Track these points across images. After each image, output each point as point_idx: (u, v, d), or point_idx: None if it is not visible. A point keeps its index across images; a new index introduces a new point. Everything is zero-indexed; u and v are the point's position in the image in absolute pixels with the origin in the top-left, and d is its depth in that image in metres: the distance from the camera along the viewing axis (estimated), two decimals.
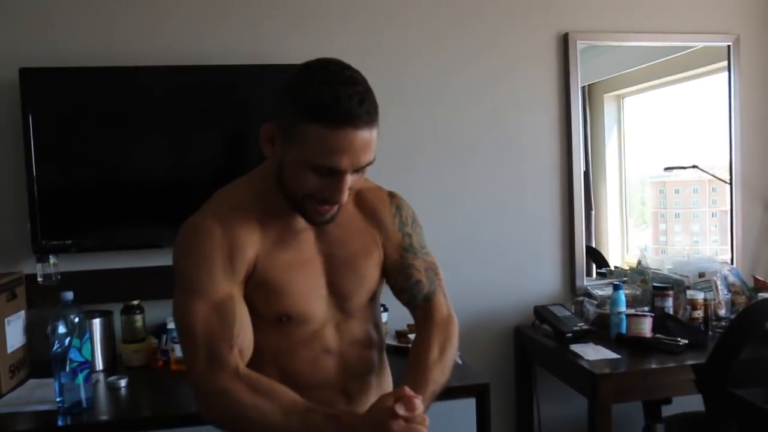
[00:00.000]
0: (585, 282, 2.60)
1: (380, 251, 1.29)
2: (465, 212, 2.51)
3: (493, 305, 2.55)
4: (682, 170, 2.91)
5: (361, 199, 1.28)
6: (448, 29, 2.47)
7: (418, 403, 1.06)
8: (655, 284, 2.43)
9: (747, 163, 2.74)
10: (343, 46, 2.34)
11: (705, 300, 2.38)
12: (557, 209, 2.59)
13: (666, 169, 2.94)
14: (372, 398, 1.23)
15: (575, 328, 2.25)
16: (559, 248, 2.60)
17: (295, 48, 2.29)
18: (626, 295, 2.41)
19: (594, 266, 2.80)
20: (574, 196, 2.58)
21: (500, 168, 2.55)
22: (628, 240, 2.99)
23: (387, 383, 1.37)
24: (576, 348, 2.18)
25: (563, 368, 2.25)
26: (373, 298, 1.31)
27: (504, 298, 2.56)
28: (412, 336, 2.17)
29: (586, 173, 2.90)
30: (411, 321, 2.27)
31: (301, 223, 1.19)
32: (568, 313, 2.36)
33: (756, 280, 2.56)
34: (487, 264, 2.54)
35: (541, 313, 2.38)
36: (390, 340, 2.26)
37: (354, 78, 1.07)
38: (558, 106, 2.58)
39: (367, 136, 1.05)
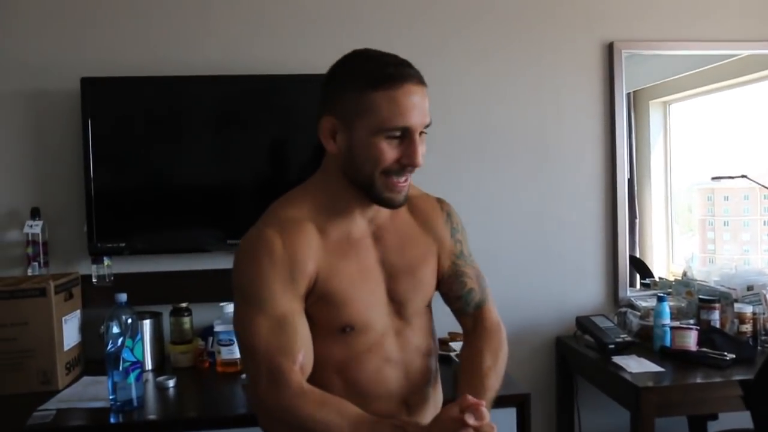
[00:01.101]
0: (628, 293, 2.57)
1: (435, 258, 1.30)
2: (508, 222, 2.52)
3: (535, 315, 2.55)
4: (730, 179, 2.85)
5: (413, 205, 1.29)
6: (493, 40, 2.49)
7: (485, 411, 1.06)
8: (701, 296, 2.38)
9: None
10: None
11: (754, 314, 2.32)
12: (600, 219, 2.57)
13: (714, 178, 2.88)
14: (429, 409, 1.26)
15: (618, 340, 2.23)
16: (602, 258, 2.58)
17: (334, 58, 2.34)
18: (670, 307, 2.37)
19: (638, 277, 2.77)
20: (618, 205, 2.56)
21: (544, 177, 2.54)
22: (673, 249, 2.94)
23: (440, 393, 1.36)
24: (618, 360, 2.16)
25: (605, 380, 2.23)
26: (429, 305, 1.33)
27: (546, 309, 2.55)
28: (453, 344, 2.19)
29: (630, 181, 2.87)
30: (452, 329, 2.33)
31: (359, 231, 1.21)
32: (610, 324, 2.34)
33: None
34: (529, 274, 2.53)
35: (583, 323, 2.36)
36: None
37: (389, 53, 1.14)
38: (602, 115, 2.56)
39: (423, 91, 1.12)
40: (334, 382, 1.18)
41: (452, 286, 1.33)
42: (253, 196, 2.29)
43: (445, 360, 2.16)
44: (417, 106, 1.10)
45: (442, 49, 2.45)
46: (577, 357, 2.39)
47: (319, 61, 2.32)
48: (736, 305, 2.35)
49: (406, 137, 1.10)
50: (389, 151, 1.10)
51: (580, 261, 2.57)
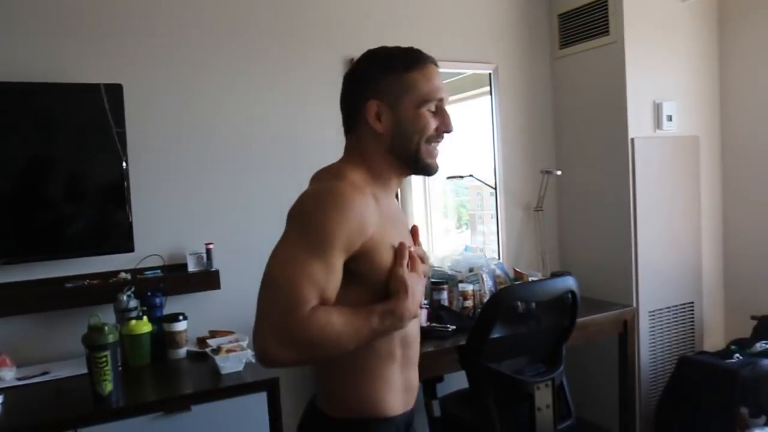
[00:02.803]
0: None
1: None
2: (263, 223, 2.66)
3: None
4: (460, 178, 3.33)
5: None
6: (250, 53, 2.64)
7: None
8: (432, 280, 2.78)
9: (508, 173, 3.21)
10: (141, 65, 2.44)
11: (473, 291, 2.77)
12: None
13: (448, 177, 3.33)
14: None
15: None
16: None
17: (93, 67, 2.35)
18: None
19: None
20: None
21: (295, 180, 2.62)
22: (433, 239, 3.33)
23: None
24: None
25: None
26: None
27: None
28: (211, 341, 2.30)
29: None
30: (213, 327, 2.43)
31: (395, 205, 1.36)
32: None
33: (516, 272, 3.01)
34: None
35: None
36: (191, 347, 2.37)
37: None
38: None
39: (439, 73, 1.30)
40: (386, 348, 1.25)
41: None
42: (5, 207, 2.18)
43: (201, 357, 2.28)
44: (441, 82, 1.28)
45: (196, 61, 2.55)
46: None
47: (76, 70, 2.33)
48: (461, 285, 2.78)
49: (439, 108, 1.28)
50: (432, 121, 1.27)
51: None
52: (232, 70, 2.63)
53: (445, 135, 1.30)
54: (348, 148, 1.32)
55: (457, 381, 2.61)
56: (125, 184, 2.34)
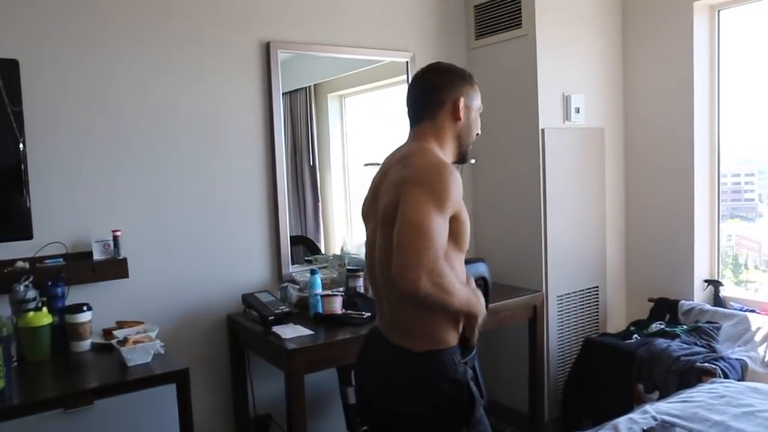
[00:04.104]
0: (291, 269, 2.86)
1: None
2: (175, 209, 2.60)
3: (206, 296, 2.69)
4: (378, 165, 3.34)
5: None
6: (151, 30, 2.53)
7: None
8: (348, 267, 2.78)
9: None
10: (48, 43, 2.29)
11: None
12: (263, 204, 2.81)
13: (366, 165, 3.33)
14: None
15: (277, 311, 2.49)
16: (267, 239, 2.82)
17: None
18: (324, 279, 2.72)
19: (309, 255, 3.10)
20: (278, 192, 2.82)
21: (210, 165, 2.68)
22: (352, 227, 3.33)
23: None
24: (277, 329, 2.42)
25: (267, 349, 2.47)
26: None
27: (217, 289, 2.71)
28: (117, 332, 2.21)
29: (313, 168, 3.18)
30: (120, 318, 2.35)
31: None
32: (272, 299, 2.60)
33: None
34: (200, 257, 2.66)
35: (248, 300, 2.58)
36: (97, 339, 2.27)
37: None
38: (262, 109, 2.79)
39: None
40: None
41: None
42: None
43: (106, 349, 2.19)
44: None
45: (99, 37, 2.42)
46: (246, 331, 2.59)
47: None
48: None
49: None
50: (478, 125, 1.74)
51: (246, 243, 2.78)
52: (142, 50, 2.51)
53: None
54: (423, 133, 1.66)
55: None
56: (22, 167, 2.20)
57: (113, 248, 2.40)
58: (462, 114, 1.67)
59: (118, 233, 2.40)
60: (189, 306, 2.64)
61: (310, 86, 3.16)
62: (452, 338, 1.61)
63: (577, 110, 3.21)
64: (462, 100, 1.67)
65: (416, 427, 1.59)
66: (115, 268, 2.38)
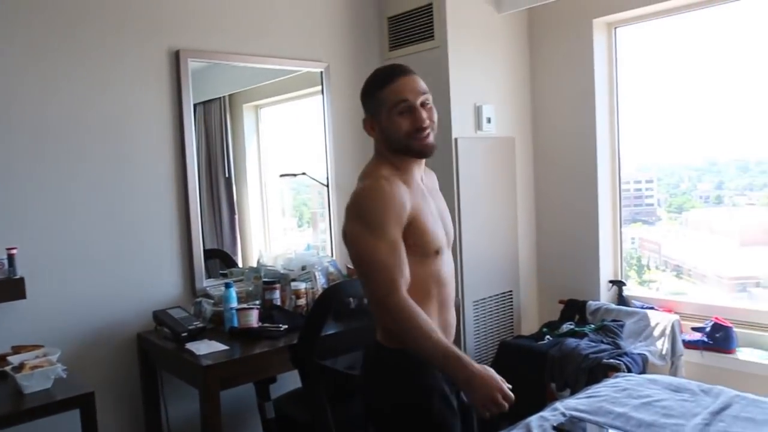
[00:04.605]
0: (204, 284, 2.78)
1: None
2: (79, 224, 2.48)
3: (115, 314, 2.57)
4: (293, 176, 3.32)
5: (426, 174, 1.78)
6: (54, 38, 2.41)
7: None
8: (265, 279, 2.73)
9: (340, 171, 3.25)
10: None
11: (306, 289, 2.76)
12: (174, 217, 2.72)
13: (281, 175, 3.29)
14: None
15: (190, 327, 2.41)
16: (178, 254, 2.73)
17: None
18: (240, 292, 2.66)
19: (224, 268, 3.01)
20: (190, 204, 2.74)
21: (115, 179, 2.57)
22: (270, 239, 3.27)
23: None
24: (191, 346, 2.34)
25: (180, 366, 2.39)
26: None
27: (126, 307, 2.59)
28: (11, 358, 2.08)
29: (228, 180, 3.11)
30: (16, 343, 2.21)
31: (423, 187, 1.68)
32: (185, 314, 2.52)
33: (349, 269, 3.06)
34: (107, 274, 2.54)
35: (159, 317, 2.49)
36: None
37: (391, 64, 1.70)
38: (171, 120, 2.71)
39: (412, 78, 1.61)
40: (431, 289, 1.64)
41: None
42: None
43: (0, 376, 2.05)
44: (408, 88, 1.60)
45: (7, 37, 2.28)
46: (157, 350, 2.50)
47: None
48: (293, 284, 2.76)
49: (409, 109, 1.59)
50: (403, 122, 1.60)
51: (157, 258, 2.68)
52: (44, 58, 2.39)
53: (422, 127, 1.60)
54: (375, 150, 1.71)
55: (291, 381, 2.59)
56: None
57: (8, 267, 2.25)
58: (375, 129, 1.65)
59: (14, 251, 2.26)
60: (95, 326, 2.51)
61: (224, 96, 3.10)
62: None
63: (489, 120, 3.31)
64: (367, 118, 1.67)
65: (382, 424, 1.65)
66: (11, 288, 2.23)
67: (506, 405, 1.49)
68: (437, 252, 1.64)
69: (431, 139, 1.64)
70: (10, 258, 2.24)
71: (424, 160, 1.72)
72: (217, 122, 3.07)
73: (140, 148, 2.63)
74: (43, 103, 2.39)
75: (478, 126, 3.28)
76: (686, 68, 3.23)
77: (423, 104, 1.61)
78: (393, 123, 1.60)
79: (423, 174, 1.75)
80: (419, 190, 1.67)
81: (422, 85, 1.63)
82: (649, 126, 3.43)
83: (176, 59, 2.71)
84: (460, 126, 3.20)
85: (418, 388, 1.58)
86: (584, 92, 3.34)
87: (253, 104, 3.24)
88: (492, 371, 1.53)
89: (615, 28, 3.35)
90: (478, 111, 3.27)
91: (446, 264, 1.69)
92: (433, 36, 3.18)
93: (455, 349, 1.49)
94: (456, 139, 3.17)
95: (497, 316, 3.40)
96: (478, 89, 3.28)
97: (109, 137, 2.55)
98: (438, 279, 1.66)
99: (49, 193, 2.41)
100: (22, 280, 2.25)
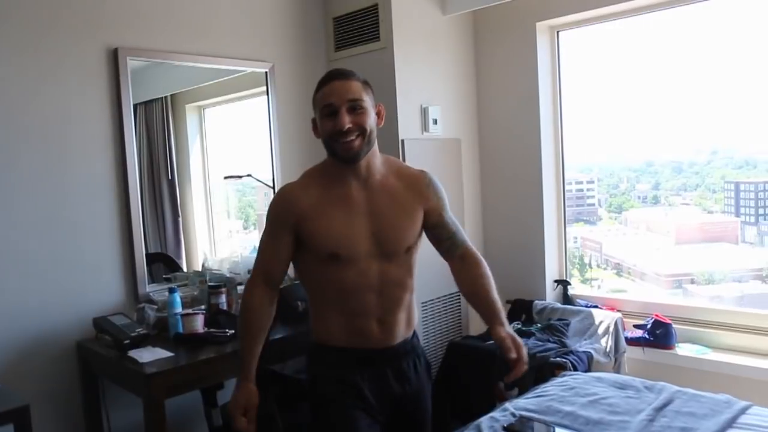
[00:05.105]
0: (147, 289, 2.69)
1: (419, 213, 1.74)
2: (9, 227, 2.36)
3: (52, 322, 2.46)
4: (239, 178, 3.26)
5: (401, 174, 1.76)
6: None
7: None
8: (210, 284, 2.67)
9: (286, 172, 3.21)
10: None
11: None
12: (115, 220, 2.63)
13: (225, 177, 3.23)
14: (399, 328, 1.73)
15: (133, 334, 2.34)
16: (119, 259, 2.64)
17: None
18: (184, 297, 2.60)
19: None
20: (131, 206, 2.65)
21: (50, 180, 2.46)
22: (215, 242, 3.19)
23: (413, 318, 1.80)
24: (133, 353, 2.27)
25: (123, 375, 2.31)
26: (409, 250, 1.73)
27: (64, 315, 2.49)
28: None
29: (172, 181, 3.01)
30: None
31: (355, 191, 1.68)
32: (127, 321, 2.43)
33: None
34: (44, 280, 2.43)
35: (100, 324, 2.40)
36: None
37: (341, 68, 1.72)
38: (111, 120, 2.61)
39: (346, 83, 1.64)
40: (330, 298, 1.69)
41: (442, 232, 1.80)
42: None
43: None
44: (336, 92, 1.63)
45: None
46: (99, 358, 2.41)
47: None
48: (240, 287, 2.71)
49: (333, 114, 1.62)
50: (327, 124, 1.64)
51: (97, 263, 2.58)
52: None
53: (342, 132, 1.61)
54: None
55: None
56: None
57: None
58: (316, 132, 1.72)
59: None
60: (30, 335, 2.40)
61: (166, 96, 3.01)
62: (327, 335, 1.72)
63: (435, 121, 3.33)
64: (313, 120, 1.72)
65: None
66: None
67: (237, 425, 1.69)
68: (333, 257, 1.64)
69: (356, 144, 1.63)
70: None
71: (372, 162, 1.70)
72: (159, 123, 2.99)
73: (78, 149, 2.53)
74: None
75: (425, 127, 3.30)
76: (626, 71, 3.34)
77: (352, 109, 1.62)
78: (322, 125, 1.66)
79: (390, 174, 1.74)
80: (337, 196, 1.68)
81: (355, 89, 1.64)
82: (591, 127, 3.53)
83: (114, 57, 2.61)
84: (406, 127, 3.21)
85: (310, 373, 1.77)
86: (528, 94, 3.40)
87: (197, 104, 3.16)
88: (249, 397, 1.71)
89: (558, 31, 3.43)
90: (424, 112, 3.29)
91: (356, 271, 1.65)
92: (378, 37, 3.17)
93: (249, 360, 1.71)
94: (402, 141, 3.17)
95: (445, 317, 3.43)
96: (424, 90, 3.30)
97: (46, 138, 2.44)
98: (340, 285, 1.66)
99: None
100: None
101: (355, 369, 1.70)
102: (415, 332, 1.82)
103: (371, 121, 1.66)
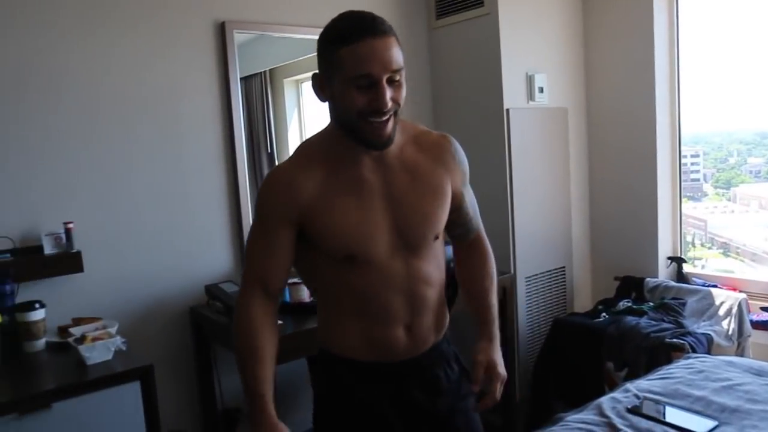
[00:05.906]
0: None
1: (448, 190, 1.41)
2: (129, 198, 2.47)
3: (166, 289, 2.57)
4: None
5: (420, 142, 1.41)
6: (100, 11, 2.38)
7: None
8: None
9: None
10: None
11: None
12: (223, 191, 2.70)
13: None
14: (430, 334, 1.43)
15: None
16: (228, 228, 2.72)
17: None
18: None
19: None
20: (239, 176, 2.72)
21: (163, 152, 2.55)
22: None
23: (445, 319, 1.51)
24: None
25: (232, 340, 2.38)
26: (437, 238, 1.41)
27: (177, 281, 2.59)
28: (74, 330, 2.09)
29: (271, 155, 3.08)
30: (76, 315, 2.22)
31: (368, 171, 1.33)
32: (237, 289, 2.48)
33: None
34: (156, 249, 2.54)
35: (212, 291, 2.48)
36: (51, 337, 2.15)
37: (363, 11, 1.25)
38: (219, 93, 2.67)
39: (386, 42, 1.21)
40: (345, 303, 1.36)
41: (459, 216, 1.49)
42: None
43: (63, 348, 2.07)
44: (378, 57, 1.20)
45: (45, 18, 2.26)
46: (210, 324, 2.49)
47: None
48: None
49: (374, 84, 1.21)
50: (359, 98, 1.22)
51: (207, 233, 2.67)
52: (91, 33, 2.36)
53: (382, 111, 1.23)
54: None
55: None
56: None
57: (65, 241, 2.26)
58: (325, 92, 1.29)
59: (71, 225, 2.27)
60: (149, 299, 2.52)
61: (265, 71, 3.05)
62: (341, 347, 1.40)
63: (541, 90, 3.19)
64: (317, 75, 1.29)
65: None
66: (69, 262, 2.25)
67: None
68: (349, 259, 1.32)
69: (389, 126, 1.26)
70: (68, 232, 2.26)
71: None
72: (258, 97, 3.03)
73: (189, 123, 2.61)
74: (91, 80, 2.38)
75: (530, 96, 3.17)
76: (745, 37, 3.05)
77: (390, 80, 1.24)
78: (347, 95, 1.23)
79: (408, 143, 1.39)
80: (346, 180, 1.33)
81: (396, 54, 1.24)
82: (703, 98, 3.27)
83: (222, 31, 2.66)
84: (512, 96, 3.09)
85: (317, 390, 1.53)
86: (643, 60, 3.18)
87: (294, 78, 3.18)
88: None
89: None
90: (530, 80, 3.16)
91: (376, 271, 1.34)
92: (482, 2, 3.06)
93: (260, 389, 1.35)
94: (508, 110, 3.06)
95: (550, 293, 3.32)
96: (529, 58, 3.16)
97: (159, 111, 2.53)
98: (358, 289, 1.35)
99: (102, 168, 2.41)
100: (79, 254, 2.27)
101: (375, 387, 1.40)
102: (446, 335, 1.51)
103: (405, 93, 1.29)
